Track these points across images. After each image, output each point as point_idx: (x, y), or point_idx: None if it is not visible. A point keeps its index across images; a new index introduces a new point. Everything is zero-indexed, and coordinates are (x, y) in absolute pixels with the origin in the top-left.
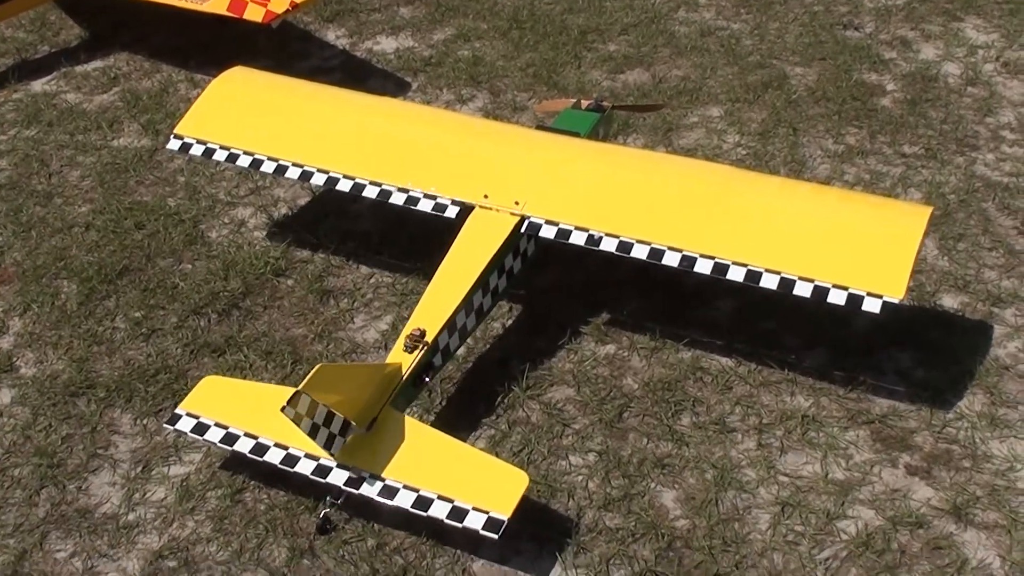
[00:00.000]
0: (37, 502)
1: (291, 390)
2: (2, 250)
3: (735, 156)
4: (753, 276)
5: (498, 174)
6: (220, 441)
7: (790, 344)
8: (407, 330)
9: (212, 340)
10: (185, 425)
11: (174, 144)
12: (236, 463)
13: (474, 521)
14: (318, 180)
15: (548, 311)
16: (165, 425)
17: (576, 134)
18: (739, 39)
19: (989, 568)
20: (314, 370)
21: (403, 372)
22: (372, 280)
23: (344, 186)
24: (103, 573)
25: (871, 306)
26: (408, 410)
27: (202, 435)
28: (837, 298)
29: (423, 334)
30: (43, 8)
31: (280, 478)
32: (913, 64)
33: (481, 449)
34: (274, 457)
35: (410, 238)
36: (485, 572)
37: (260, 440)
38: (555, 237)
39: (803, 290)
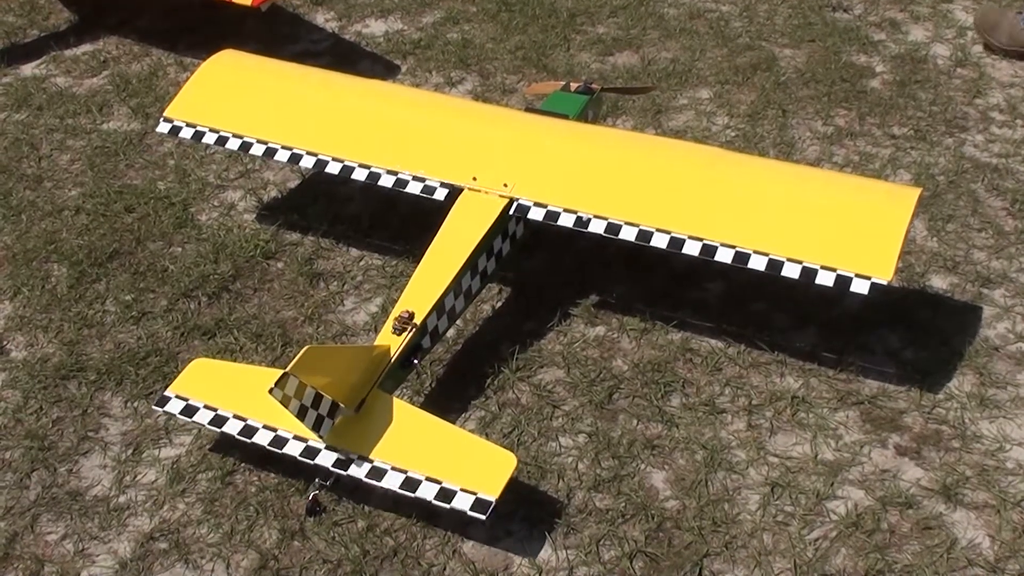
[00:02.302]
0: (28, 485)
1: (279, 372)
2: None
3: (724, 138)
4: (741, 258)
5: (487, 156)
6: (209, 423)
7: (779, 325)
8: (396, 312)
9: (202, 323)
10: (174, 407)
11: (163, 127)
12: (227, 445)
13: (462, 502)
14: (307, 163)
15: (538, 293)
16: (154, 407)
17: (565, 116)
18: (728, 21)
19: (979, 548)
20: (302, 352)
21: (391, 354)
22: (362, 262)
23: (333, 168)
24: (94, 555)
25: (859, 287)
26: (398, 392)
27: (191, 417)
28: (825, 279)
29: (412, 316)
30: None
31: (271, 460)
32: (902, 46)
33: (471, 431)
34: (263, 439)
35: (400, 221)
36: (475, 553)
37: (249, 422)
38: (544, 219)
39: (791, 271)
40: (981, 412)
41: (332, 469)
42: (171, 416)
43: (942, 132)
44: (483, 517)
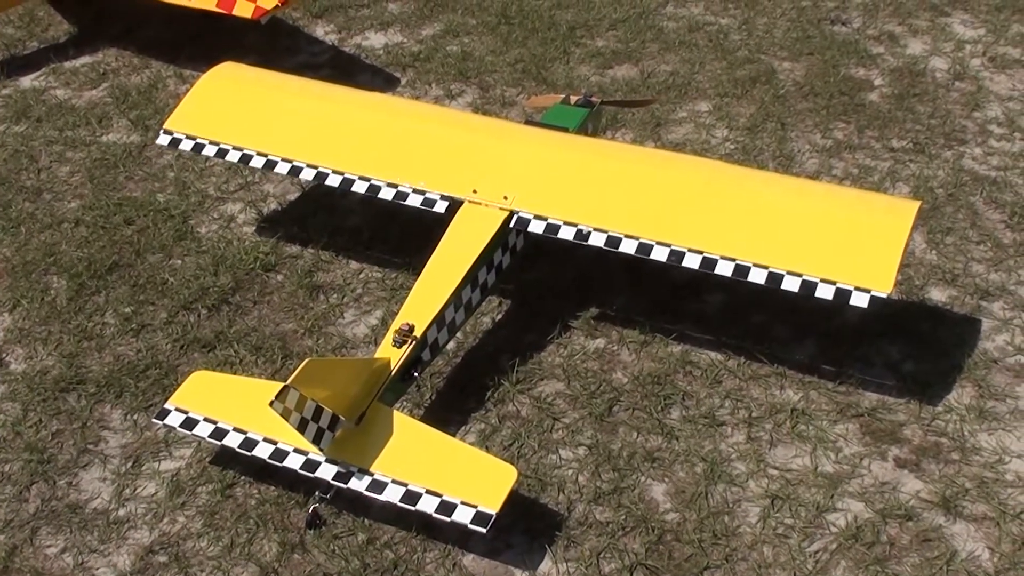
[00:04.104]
0: (27, 498)
1: (280, 385)
2: None
3: (724, 151)
4: (741, 271)
5: (487, 169)
6: (209, 436)
7: (779, 337)
8: (396, 325)
9: (202, 335)
10: (174, 420)
11: (163, 139)
12: (226, 458)
13: (463, 515)
14: (307, 175)
15: (537, 305)
16: (154, 420)
17: (565, 129)
18: (727, 34)
19: (978, 560)
20: (302, 364)
21: (392, 367)
22: (362, 275)
23: (333, 181)
24: (94, 568)
25: (859, 301)
26: (398, 404)
27: (191, 430)
28: (825, 293)
29: (412, 329)
30: (31, 4)
31: (270, 473)
32: (901, 59)
33: (471, 444)
34: (263, 452)
35: (400, 233)
36: (476, 566)
37: (249, 435)
38: (544, 232)
39: (791, 285)
40: (980, 424)
41: (332, 482)
42: (171, 429)
43: (941, 145)
44: (484, 530)
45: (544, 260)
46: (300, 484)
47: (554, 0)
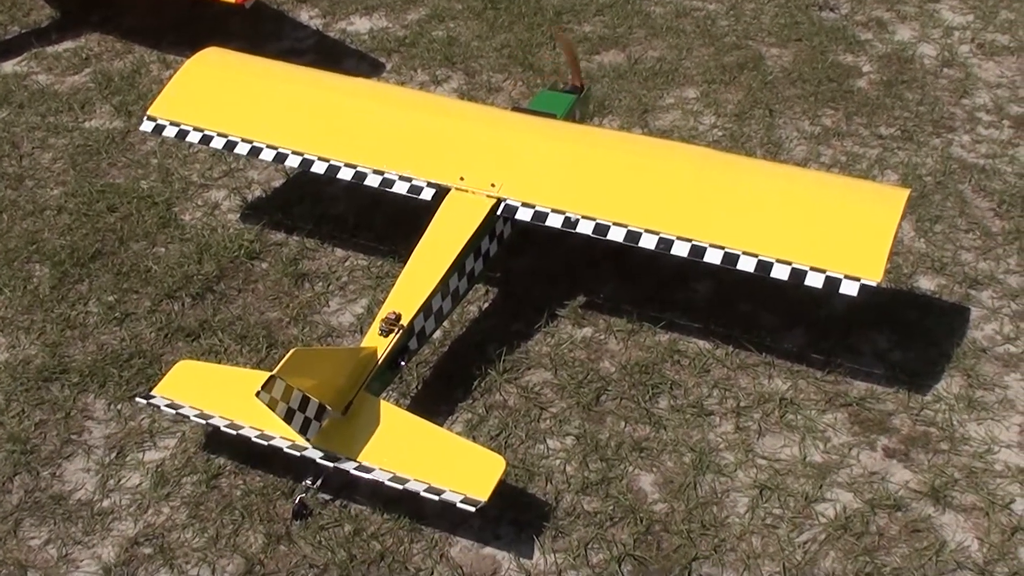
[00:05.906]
0: (11, 489)
1: (266, 374)
2: None
3: (711, 138)
4: (730, 259)
5: (474, 156)
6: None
7: (768, 326)
8: (382, 313)
9: (186, 324)
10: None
11: (147, 126)
12: (211, 448)
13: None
14: (292, 162)
15: (525, 294)
16: (139, 399)
17: (552, 115)
18: (715, 20)
19: (967, 551)
20: (288, 354)
21: (379, 356)
22: (347, 263)
23: (319, 168)
24: (78, 560)
25: (848, 289)
26: (384, 394)
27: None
28: (814, 281)
29: (398, 317)
30: None
31: (256, 463)
32: (889, 45)
33: (458, 433)
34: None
35: (385, 221)
36: (463, 557)
37: (235, 424)
38: (531, 219)
39: (780, 273)
40: (969, 414)
41: (320, 462)
42: (156, 408)
43: (929, 132)
44: (473, 509)
45: (532, 248)
46: (286, 474)
47: None
